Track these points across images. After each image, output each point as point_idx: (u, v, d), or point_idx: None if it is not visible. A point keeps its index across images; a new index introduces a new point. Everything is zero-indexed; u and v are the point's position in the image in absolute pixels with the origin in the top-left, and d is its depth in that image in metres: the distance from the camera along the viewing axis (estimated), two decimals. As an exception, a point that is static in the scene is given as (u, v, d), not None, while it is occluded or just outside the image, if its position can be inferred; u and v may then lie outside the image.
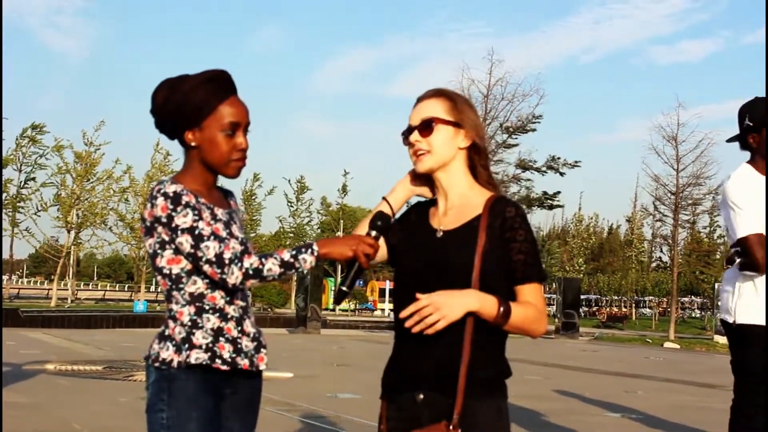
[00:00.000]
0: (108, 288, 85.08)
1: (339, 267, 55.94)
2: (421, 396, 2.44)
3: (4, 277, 45.58)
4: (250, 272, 2.52)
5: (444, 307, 2.32)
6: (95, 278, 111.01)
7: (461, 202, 2.55)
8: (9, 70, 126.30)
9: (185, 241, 2.54)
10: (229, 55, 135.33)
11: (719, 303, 4.93)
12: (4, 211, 39.22)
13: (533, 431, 8.43)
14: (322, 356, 17.75)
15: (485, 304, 2.36)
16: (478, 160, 2.58)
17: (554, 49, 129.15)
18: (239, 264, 2.51)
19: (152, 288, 61.96)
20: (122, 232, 44.78)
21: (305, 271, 2.66)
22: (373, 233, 2.60)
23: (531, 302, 2.45)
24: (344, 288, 2.58)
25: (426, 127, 2.54)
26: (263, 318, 38.72)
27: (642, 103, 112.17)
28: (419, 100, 2.61)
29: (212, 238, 2.53)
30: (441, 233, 2.52)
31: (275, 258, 2.54)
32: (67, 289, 49.73)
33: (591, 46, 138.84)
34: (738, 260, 4.56)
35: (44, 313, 33.35)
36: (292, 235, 52.69)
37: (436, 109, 2.55)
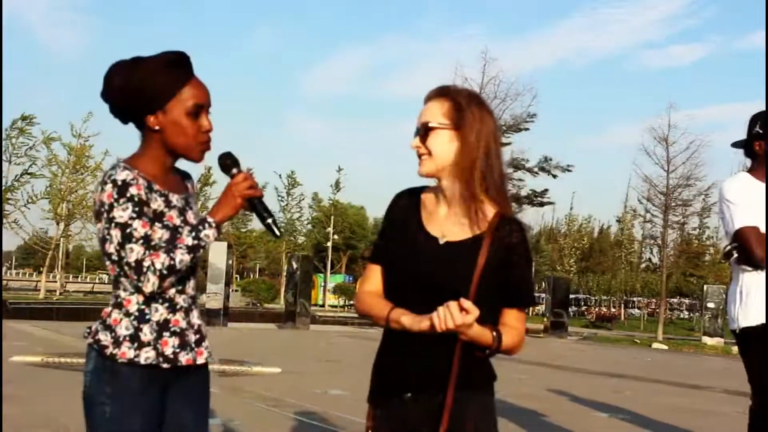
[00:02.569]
0: (97, 281, 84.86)
1: (329, 263, 56.01)
2: (409, 395, 2.45)
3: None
4: (164, 272, 2.47)
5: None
6: (84, 271, 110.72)
7: (465, 211, 2.49)
8: (5, 65, 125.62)
9: (115, 236, 2.48)
10: (223, 53, 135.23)
11: (726, 317, 4.99)
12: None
13: (521, 430, 8.43)
14: (311, 352, 17.73)
15: (484, 334, 2.38)
16: (482, 162, 2.49)
17: (547, 53, 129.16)
18: (152, 269, 2.46)
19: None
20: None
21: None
22: (235, 170, 2.63)
23: (515, 326, 2.49)
24: (269, 220, 2.64)
25: (424, 131, 2.50)
26: (252, 313, 38.70)
27: (634, 106, 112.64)
28: (425, 100, 2.56)
29: (140, 242, 2.47)
30: (443, 241, 2.49)
31: (180, 247, 2.50)
32: (56, 281, 49.62)
33: (583, 50, 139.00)
34: (735, 255, 4.62)
35: (32, 304, 33.26)
36: (283, 230, 52.73)
37: (436, 111, 2.50)
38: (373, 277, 2.60)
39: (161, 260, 2.46)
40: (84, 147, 41.93)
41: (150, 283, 2.46)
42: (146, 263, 2.45)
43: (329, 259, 56.97)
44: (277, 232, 2.69)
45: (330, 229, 56.73)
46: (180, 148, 2.63)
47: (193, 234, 2.52)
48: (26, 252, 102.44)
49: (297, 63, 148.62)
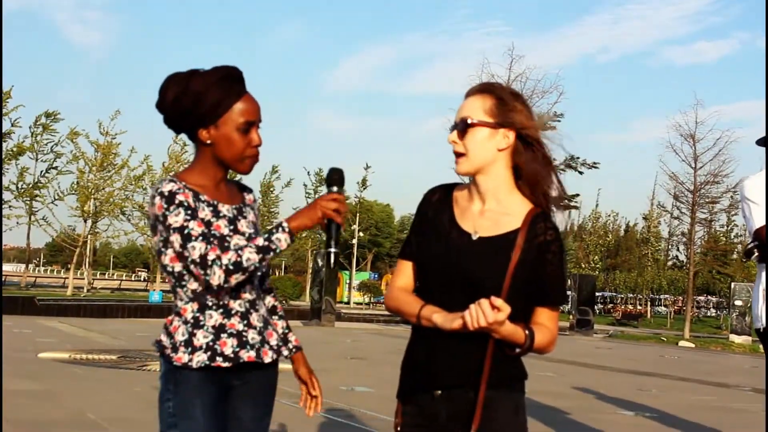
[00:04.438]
0: (124, 278, 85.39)
1: (354, 261, 56.13)
2: (439, 392, 2.43)
3: (21, 266, 45.77)
4: (230, 267, 2.49)
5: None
6: (111, 268, 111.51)
7: (499, 207, 2.47)
8: (32, 62, 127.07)
9: (175, 241, 2.54)
10: (250, 50, 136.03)
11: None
12: (22, 199, 39.52)
13: (547, 428, 8.42)
14: (336, 349, 17.76)
15: (516, 332, 2.35)
16: (523, 159, 2.44)
17: (571, 49, 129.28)
18: (219, 263, 2.49)
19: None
20: (139, 222, 44.98)
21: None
22: (335, 188, 2.59)
23: (547, 325, 2.45)
24: (332, 249, 2.60)
25: (462, 127, 2.46)
26: (278, 310, 38.75)
27: (658, 102, 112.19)
28: (466, 95, 2.51)
29: (200, 239, 2.52)
30: (476, 237, 2.45)
31: (251, 246, 2.52)
32: (84, 278, 49.99)
33: (607, 46, 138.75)
34: (757, 253, 4.61)
35: (60, 301, 33.51)
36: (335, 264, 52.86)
37: (477, 107, 2.45)
38: (404, 273, 2.58)
39: (228, 256, 2.50)
40: (111, 144, 42.21)
41: (216, 276, 2.49)
42: (211, 257, 2.50)
43: (355, 256, 57.02)
44: (332, 265, 2.72)
45: (356, 227, 56.78)
46: (229, 161, 2.68)
47: (266, 236, 2.55)
48: (54, 249, 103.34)
49: (322, 59, 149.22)
